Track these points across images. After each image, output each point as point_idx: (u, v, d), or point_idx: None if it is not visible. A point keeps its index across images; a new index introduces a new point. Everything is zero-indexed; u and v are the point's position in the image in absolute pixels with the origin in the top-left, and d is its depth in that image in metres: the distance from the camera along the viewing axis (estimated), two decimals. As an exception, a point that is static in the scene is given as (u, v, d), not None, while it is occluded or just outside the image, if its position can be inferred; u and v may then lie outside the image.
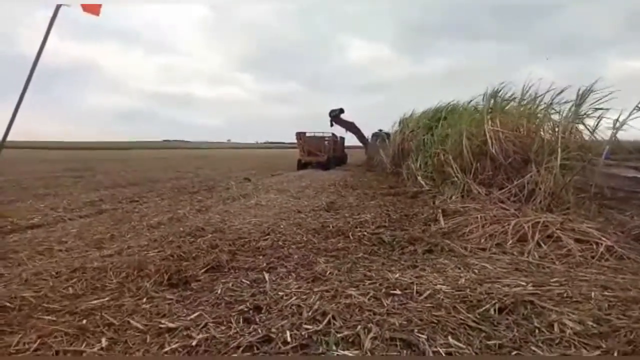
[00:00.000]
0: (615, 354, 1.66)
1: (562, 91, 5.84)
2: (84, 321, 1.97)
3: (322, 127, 19.07)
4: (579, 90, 5.38)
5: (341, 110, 19.38)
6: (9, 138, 3.58)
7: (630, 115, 4.23)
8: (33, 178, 10.07)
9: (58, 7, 3.44)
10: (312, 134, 17.04)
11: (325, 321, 1.95)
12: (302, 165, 16.04)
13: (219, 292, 2.40)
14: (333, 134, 18.16)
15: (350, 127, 19.91)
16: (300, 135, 16.88)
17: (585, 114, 5.33)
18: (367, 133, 20.63)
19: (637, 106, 4.13)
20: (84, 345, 1.75)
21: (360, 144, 21.38)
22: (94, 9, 3.60)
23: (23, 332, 1.84)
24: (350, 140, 21.27)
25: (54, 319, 1.99)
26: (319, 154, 16.37)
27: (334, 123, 19.18)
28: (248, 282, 2.58)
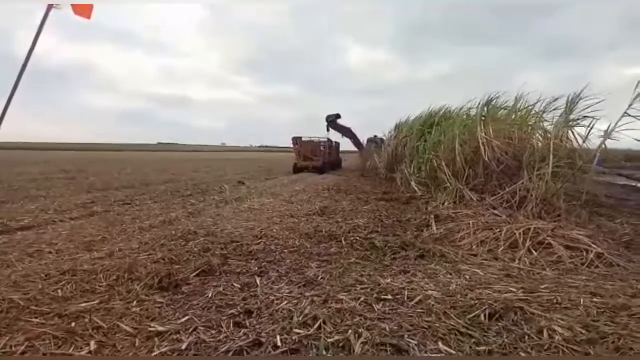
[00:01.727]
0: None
1: (555, 100, 5.90)
2: (73, 324, 1.95)
3: (320, 130, 19.16)
4: (568, 97, 5.42)
5: (338, 116, 19.53)
6: (2, 139, 3.57)
7: (618, 122, 4.26)
8: (25, 179, 9.99)
9: (50, 7, 3.43)
10: (308, 139, 17.24)
11: (316, 326, 1.95)
12: (298, 169, 16.17)
13: (210, 296, 2.40)
14: (329, 139, 18.34)
15: (347, 132, 20.06)
16: (296, 140, 17.13)
17: (575, 121, 5.37)
18: (366, 137, 20.77)
19: (625, 112, 4.16)
20: (72, 348, 1.74)
21: (355, 149, 21.47)
22: (85, 13, 3.58)
23: (11, 334, 1.82)
24: (345, 145, 21.39)
25: (43, 321, 1.97)
26: (314, 159, 16.54)
27: (330, 128, 19.30)
28: (239, 286, 2.57)
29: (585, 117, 5.16)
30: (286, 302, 2.29)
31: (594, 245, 3.31)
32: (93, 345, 1.75)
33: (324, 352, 1.72)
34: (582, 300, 2.28)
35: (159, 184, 9.84)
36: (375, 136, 19.55)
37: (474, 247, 3.58)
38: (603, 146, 4.55)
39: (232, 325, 1.99)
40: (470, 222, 4.09)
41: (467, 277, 2.79)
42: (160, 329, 1.93)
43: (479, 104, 7.29)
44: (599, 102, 4.97)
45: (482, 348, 1.77)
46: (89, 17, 3.61)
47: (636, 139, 4.17)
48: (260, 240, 3.80)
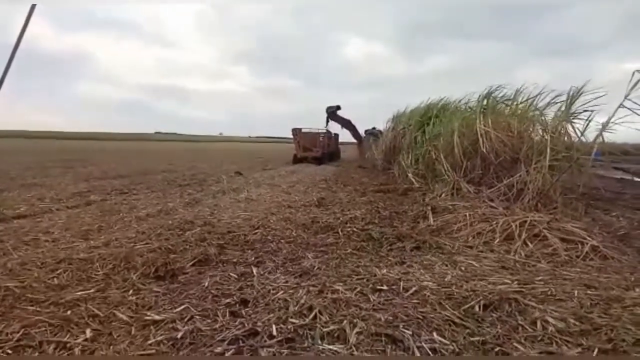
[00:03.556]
0: (596, 352, 1.69)
1: (555, 96, 5.88)
2: (69, 312, 1.96)
3: (317, 122, 19.25)
4: (569, 91, 5.41)
5: (338, 107, 19.59)
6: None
7: (614, 114, 4.25)
8: (22, 168, 9.95)
9: (33, 6, 3.37)
10: (307, 130, 17.39)
11: (312, 315, 1.96)
12: (297, 160, 16.29)
13: (206, 285, 2.40)
14: (328, 131, 18.47)
15: (347, 124, 20.13)
16: (296, 131, 17.35)
17: (574, 114, 5.36)
18: (364, 129, 20.86)
19: (621, 104, 4.15)
20: (67, 336, 1.74)
21: (353, 140, 21.52)
22: None
23: (6, 322, 1.83)
24: (344, 136, 21.44)
25: (38, 309, 1.98)
26: (313, 150, 16.72)
27: (330, 119, 19.35)
28: (236, 276, 2.58)
29: (584, 110, 5.15)
30: (282, 291, 2.29)
31: (589, 238, 3.33)
32: (88, 333, 1.76)
33: (319, 342, 1.73)
34: (576, 292, 2.30)
35: (156, 174, 9.82)
36: (374, 128, 19.58)
37: (470, 238, 3.59)
38: (600, 139, 4.54)
39: (228, 314, 2.00)
40: (467, 213, 4.10)
41: (463, 268, 2.80)
42: (156, 317, 1.94)
43: (480, 96, 7.27)
44: (600, 97, 4.96)
45: (476, 338, 1.78)
46: None
47: (637, 129, 4.16)
48: (257, 230, 3.80)
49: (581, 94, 5.26)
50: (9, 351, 1.62)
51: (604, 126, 4.39)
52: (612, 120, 4.29)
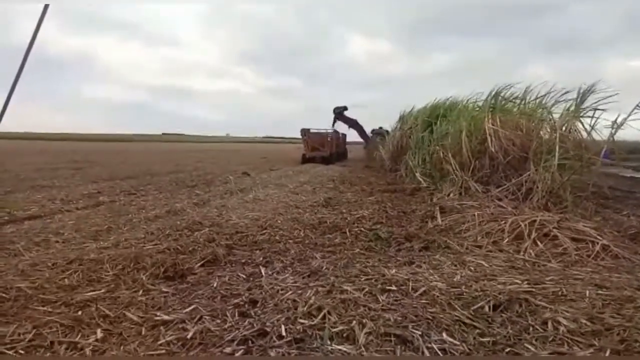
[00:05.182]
0: (608, 352, 1.67)
1: (564, 93, 5.83)
2: (80, 312, 1.97)
3: (322, 121, 19.58)
4: (579, 89, 5.36)
5: (345, 108, 19.83)
6: (5, 129, 3.55)
7: (630, 115, 4.20)
8: (31, 169, 10.06)
9: (46, 7, 3.39)
10: (316, 131, 17.60)
11: (320, 316, 1.96)
12: (306, 160, 16.44)
13: (215, 285, 2.41)
14: (335, 131, 18.73)
15: (353, 124, 20.32)
16: (305, 132, 17.61)
17: (584, 110, 5.31)
18: (368, 130, 21.02)
19: (637, 105, 4.10)
20: (79, 336, 1.75)
21: (360, 140, 21.69)
22: None
23: (18, 322, 1.84)
24: (350, 136, 21.63)
25: (50, 310, 1.99)
26: (322, 150, 16.93)
27: (337, 119, 19.59)
28: (244, 276, 2.58)
29: (595, 109, 5.10)
30: (290, 292, 2.29)
31: (599, 237, 3.29)
32: (99, 334, 1.77)
33: (328, 342, 1.73)
34: (587, 292, 2.27)
35: (163, 175, 9.87)
36: (380, 127, 19.69)
37: (479, 238, 3.56)
38: (611, 138, 4.50)
39: (237, 314, 2.01)
40: (475, 213, 4.07)
41: (472, 268, 2.78)
42: (166, 317, 1.95)
43: (489, 94, 7.22)
44: (612, 95, 4.90)
45: (487, 339, 1.77)
46: None
47: None
48: (265, 231, 3.81)
49: (592, 91, 5.21)
50: (22, 351, 1.64)
51: (619, 126, 4.35)
52: (625, 119, 4.25)
